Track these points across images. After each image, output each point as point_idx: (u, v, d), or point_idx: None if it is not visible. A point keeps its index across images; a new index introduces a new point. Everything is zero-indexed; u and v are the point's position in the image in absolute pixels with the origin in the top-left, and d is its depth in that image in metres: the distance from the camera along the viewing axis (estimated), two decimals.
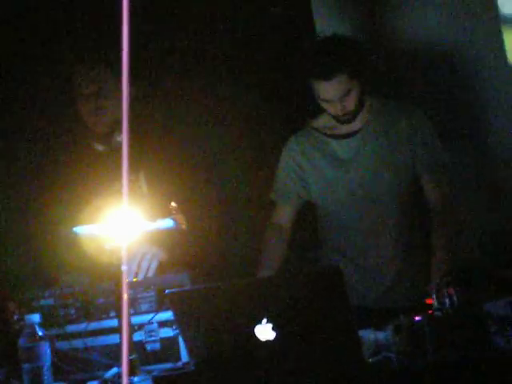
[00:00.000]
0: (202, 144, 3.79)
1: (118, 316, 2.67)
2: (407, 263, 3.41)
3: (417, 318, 2.46)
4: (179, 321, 2.52)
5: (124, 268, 2.66)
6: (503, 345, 2.38)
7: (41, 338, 2.63)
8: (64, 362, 2.80)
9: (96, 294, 2.89)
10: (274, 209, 3.55)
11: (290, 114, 4.00)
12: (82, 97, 3.33)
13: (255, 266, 3.41)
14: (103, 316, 2.87)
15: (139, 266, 3.09)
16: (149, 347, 2.80)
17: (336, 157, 3.46)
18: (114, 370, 2.70)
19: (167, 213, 3.21)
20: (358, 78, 3.30)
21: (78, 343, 2.85)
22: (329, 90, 3.29)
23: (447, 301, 2.50)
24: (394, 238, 3.40)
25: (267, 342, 2.37)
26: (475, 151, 3.93)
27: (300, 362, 2.37)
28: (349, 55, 3.29)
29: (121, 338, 2.64)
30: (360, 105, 3.35)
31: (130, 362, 2.60)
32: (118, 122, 3.31)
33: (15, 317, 2.81)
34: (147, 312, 2.84)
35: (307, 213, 3.59)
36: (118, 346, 2.67)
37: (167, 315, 2.77)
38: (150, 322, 2.81)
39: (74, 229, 2.90)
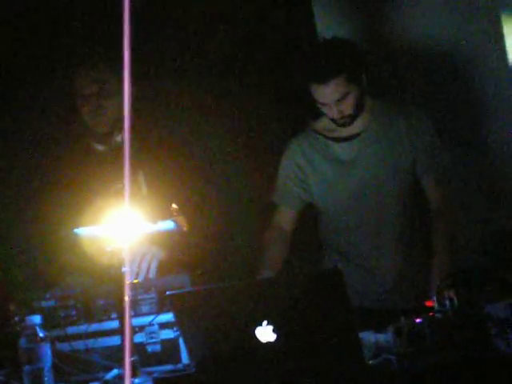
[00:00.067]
0: (202, 145, 3.80)
1: (119, 317, 2.67)
2: (408, 264, 3.41)
3: (417, 320, 2.46)
4: (180, 322, 2.52)
5: (125, 269, 2.66)
6: (503, 347, 2.38)
7: (41, 339, 2.63)
8: (65, 364, 2.80)
9: (97, 295, 2.89)
10: (275, 211, 3.55)
11: (291, 115, 4.00)
12: (83, 97, 3.33)
13: (255, 268, 3.41)
14: (104, 317, 2.87)
15: (139, 267, 3.09)
16: (149, 349, 2.80)
17: (337, 159, 3.46)
18: (115, 371, 2.70)
19: (167, 214, 3.22)
20: (356, 82, 3.30)
21: (78, 345, 2.85)
22: (326, 93, 3.28)
23: (448, 303, 2.50)
24: (395, 238, 3.41)
25: (268, 343, 2.37)
26: (475, 151, 3.93)
27: (301, 363, 2.37)
28: (346, 58, 3.29)
29: (122, 339, 2.64)
30: (359, 108, 3.35)
31: (131, 363, 2.60)
32: (118, 122, 3.31)
33: (16, 318, 2.81)
34: (148, 314, 2.83)
35: (308, 214, 3.59)
36: (119, 347, 2.67)
37: (168, 317, 2.77)
38: (150, 324, 2.81)
39: (75, 230, 2.90)
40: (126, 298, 2.59)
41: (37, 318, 2.66)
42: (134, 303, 2.85)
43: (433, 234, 3.33)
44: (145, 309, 2.85)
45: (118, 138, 3.34)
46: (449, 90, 3.94)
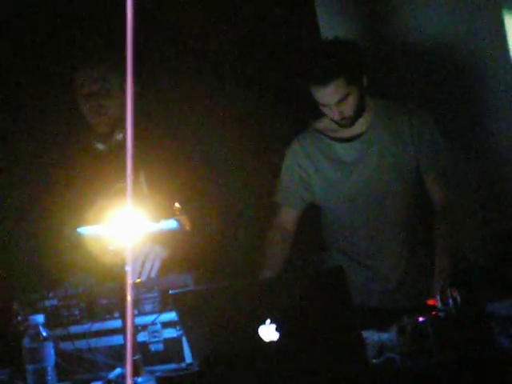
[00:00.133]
0: (204, 145, 3.79)
1: (122, 317, 2.67)
2: (412, 264, 3.41)
3: (420, 319, 2.46)
4: (183, 321, 2.52)
5: (128, 269, 2.66)
6: (507, 345, 2.38)
7: (45, 338, 2.64)
8: (68, 363, 2.81)
9: (100, 294, 2.90)
10: (278, 210, 3.54)
11: (293, 114, 4.00)
12: (83, 96, 3.33)
13: (259, 267, 3.42)
14: (107, 317, 2.87)
15: (142, 266, 3.09)
16: (152, 348, 2.81)
17: (340, 160, 3.46)
18: (118, 370, 2.70)
19: (170, 213, 3.22)
20: (357, 83, 3.30)
21: (81, 344, 2.85)
22: (326, 95, 3.29)
23: (451, 301, 2.51)
24: (397, 238, 3.40)
25: (271, 342, 2.37)
26: (476, 151, 3.94)
27: (304, 362, 2.37)
28: (346, 60, 3.29)
29: (124, 338, 2.65)
30: (360, 108, 3.35)
31: (134, 362, 2.61)
32: (119, 121, 3.31)
33: (19, 317, 2.81)
34: (151, 313, 2.84)
35: (311, 214, 3.59)
36: (122, 346, 2.68)
37: (171, 316, 2.77)
38: (153, 323, 2.81)
39: (78, 229, 2.90)
40: (129, 297, 2.59)
41: (40, 318, 2.66)
42: (137, 302, 2.85)
43: (435, 234, 3.32)
44: (148, 308, 2.85)
45: (119, 137, 3.34)
46: (449, 89, 3.94)
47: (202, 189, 3.37)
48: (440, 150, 3.40)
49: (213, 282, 2.90)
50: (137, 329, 2.78)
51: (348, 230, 3.46)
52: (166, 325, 2.80)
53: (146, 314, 2.84)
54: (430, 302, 2.62)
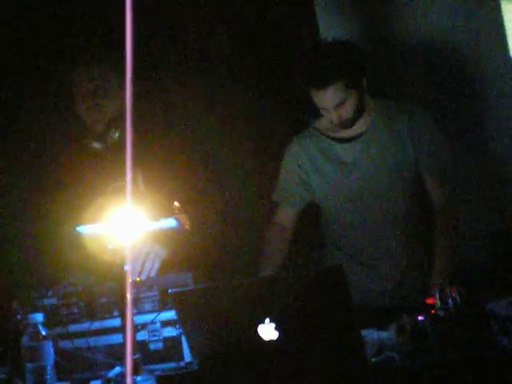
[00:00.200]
0: (203, 143, 3.80)
1: (122, 315, 2.66)
2: (411, 263, 3.41)
3: (420, 318, 2.47)
4: (182, 320, 2.52)
5: (127, 267, 2.66)
6: (506, 344, 2.39)
7: (44, 337, 2.64)
8: (67, 362, 2.81)
9: (99, 293, 2.90)
10: (277, 209, 3.55)
11: (293, 113, 4.00)
12: (80, 95, 3.34)
13: (258, 266, 3.42)
14: (106, 315, 2.88)
15: (143, 266, 3.09)
16: (152, 347, 2.81)
17: (339, 160, 3.46)
18: (117, 369, 2.70)
19: (169, 212, 3.22)
20: (356, 87, 3.29)
21: (81, 343, 2.85)
22: (324, 99, 3.28)
23: (450, 301, 2.51)
24: (398, 238, 3.40)
25: (270, 341, 2.37)
26: (475, 151, 3.94)
27: (303, 361, 2.37)
28: (345, 63, 3.28)
29: (124, 337, 2.64)
30: (360, 110, 3.34)
31: (134, 361, 2.61)
32: (115, 120, 3.31)
33: (18, 316, 2.81)
34: (150, 311, 2.84)
35: (311, 211, 3.59)
36: (122, 345, 2.67)
37: (170, 315, 2.78)
38: (153, 322, 2.81)
39: (77, 228, 2.90)
40: (129, 296, 2.59)
41: (39, 316, 2.66)
42: (137, 301, 2.85)
43: (434, 234, 3.33)
44: (147, 307, 2.85)
45: (115, 136, 3.34)
46: (449, 89, 3.94)
47: (202, 188, 3.37)
48: (440, 150, 3.40)
49: (212, 281, 2.90)
50: (136, 328, 2.78)
51: (348, 230, 3.46)
52: (166, 324, 2.81)
53: (145, 312, 2.84)
54: (429, 301, 2.62)
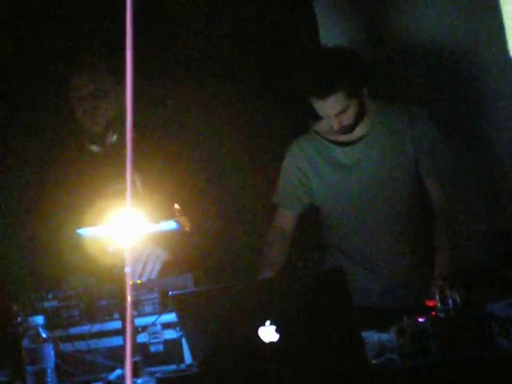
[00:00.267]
0: (203, 144, 3.79)
1: (122, 318, 2.66)
2: (412, 264, 3.41)
3: (420, 320, 2.46)
4: (183, 323, 2.52)
5: (127, 270, 2.66)
6: (506, 345, 2.39)
7: (44, 339, 2.64)
8: (68, 364, 2.81)
9: (100, 295, 2.90)
10: (276, 212, 3.55)
11: (293, 115, 3.99)
12: (78, 98, 3.33)
13: (258, 268, 3.42)
14: (107, 318, 2.88)
15: (143, 268, 3.09)
16: (152, 349, 2.80)
17: (339, 162, 3.45)
18: (118, 371, 2.70)
19: (169, 214, 3.21)
20: (357, 95, 3.27)
21: (81, 345, 2.85)
22: (325, 108, 3.27)
23: (450, 302, 2.51)
24: (398, 239, 3.41)
25: (271, 343, 2.37)
26: (476, 151, 3.93)
27: (304, 363, 2.37)
28: (347, 73, 3.25)
29: (124, 339, 2.64)
30: (361, 115, 3.33)
31: (134, 363, 2.61)
32: (113, 122, 3.31)
33: (19, 319, 2.81)
34: (151, 314, 2.84)
35: (311, 214, 3.59)
36: (122, 347, 2.67)
37: (171, 317, 2.77)
38: (153, 324, 2.81)
39: (78, 231, 2.90)
40: (129, 299, 2.58)
41: (39, 319, 2.66)
42: (137, 303, 2.85)
43: (435, 235, 3.33)
44: (148, 309, 2.85)
45: (113, 139, 3.34)
46: (449, 89, 3.94)
47: (202, 189, 3.37)
48: (440, 151, 3.40)
49: (213, 283, 2.90)
50: (137, 330, 2.78)
51: (348, 232, 3.46)
52: (166, 326, 2.80)
53: (145, 315, 2.84)
54: (429, 303, 2.62)
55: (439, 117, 3.64)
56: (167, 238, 3.12)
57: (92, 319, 2.89)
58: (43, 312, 2.81)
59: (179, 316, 2.51)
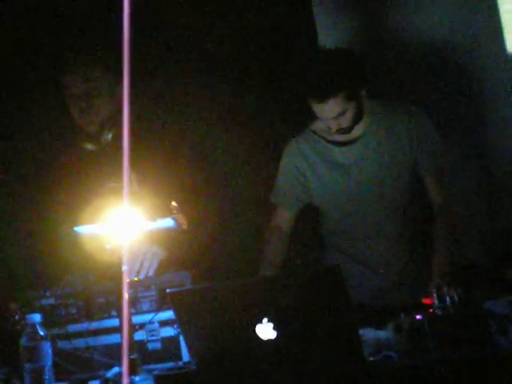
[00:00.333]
0: (201, 143, 3.79)
1: (119, 315, 2.67)
2: (410, 263, 3.41)
3: (417, 317, 2.47)
4: (180, 320, 2.52)
5: (125, 267, 2.66)
6: (504, 343, 2.38)
7: (42, 337, 2.63)
8: (65, 362, 2.81)
9: (97, 293, 2.90)
10: (274, 212, 3.55)
11: (291, 114, 3.99)
12: (73, 96, 3.33)
13: (256, 266, 3.42)
14: (104, 315, 2.88)
15: (140, 265, 3.09)
16: (150, 346, 2.81)
17: (337, 162, 3.45)
18: (116, 369, 2.70)
19: (166, 212, 3.22)
20: (356, 98, 3.26)
21: (79, 343, 2.85)
22: (324, 111, 3.26)
23: (448, 299, 2.51)
24: (396, 238, 3.41)
25: (268, 341, 2.37)
26: (476, 151, 3.94)
27: (301, 360, 2.37)
28: (346, 76, 3.24)
29: (122, 337, 2.64)
30: (359, 116, 3.33)
31: (131, 361, 2.61)
32: (108, 121, 3.31)
33: (16, 316, 2.81)
34: (148, 311, 2.84)
35: (310, 212, 3.59)
36: (119, 345, 2.67)
37: (168, 314, 2.77)
38: (151, 322, 2.81)
39: (75, 228, 2.90)
40: (126, 296, 2.58)
41: (37, 317, 2.65)
42: (135, 301, 2.85)
43: (433, 234, 3.33)
44: (145, 306, 2.85)
45: (108, 137, 3.34)
46: (449, 89, 3.94)
47: (199, 187, 3.37)
48: (438, 151, 3.39)
49: (210, 281, 2.90)
50: (134, 327, 2.78)
51: (346, 230, 3.46)
52: (164, 323, 2.81)
53: (143, 312, 2.84)
54: (426, 300, 2.62)
55: (439, 117, 3.64)
56: (164, 236, 3.12)
57: (89, 317, 2.88)
58: (41, 310, 2.82)
59: (177, 313, 2.51)
